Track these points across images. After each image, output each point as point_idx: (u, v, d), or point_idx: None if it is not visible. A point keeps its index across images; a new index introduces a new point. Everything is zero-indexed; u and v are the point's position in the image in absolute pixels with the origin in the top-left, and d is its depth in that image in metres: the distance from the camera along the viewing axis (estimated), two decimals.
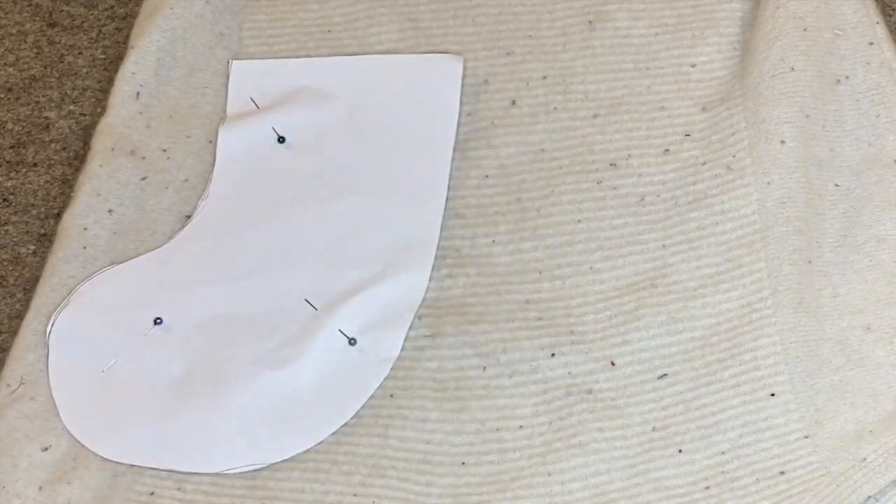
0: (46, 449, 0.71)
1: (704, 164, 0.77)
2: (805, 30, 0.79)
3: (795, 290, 0.72)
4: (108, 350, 0.73)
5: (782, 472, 0.67)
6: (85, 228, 0.78)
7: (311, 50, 0.85)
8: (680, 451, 0.68)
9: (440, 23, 0.85)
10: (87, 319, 0.75)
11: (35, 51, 0.88)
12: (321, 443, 0.71)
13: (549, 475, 0.68)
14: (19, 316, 0.77)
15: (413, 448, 0.70)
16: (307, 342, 0.73)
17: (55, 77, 0.87)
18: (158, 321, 0.74)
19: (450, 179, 0.79)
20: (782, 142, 0.76)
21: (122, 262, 0.77)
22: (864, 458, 0.66)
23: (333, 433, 0.71)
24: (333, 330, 0.73)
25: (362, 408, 0.72)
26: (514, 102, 0.82)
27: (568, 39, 0.83)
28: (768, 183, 0.75)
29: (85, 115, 0.85)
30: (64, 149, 0.84)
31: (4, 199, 0.83)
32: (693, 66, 0.81)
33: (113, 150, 0.81)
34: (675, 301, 0.73)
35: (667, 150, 0.78)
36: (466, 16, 0.85)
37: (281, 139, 0.81)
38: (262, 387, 0.72)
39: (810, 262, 0.73)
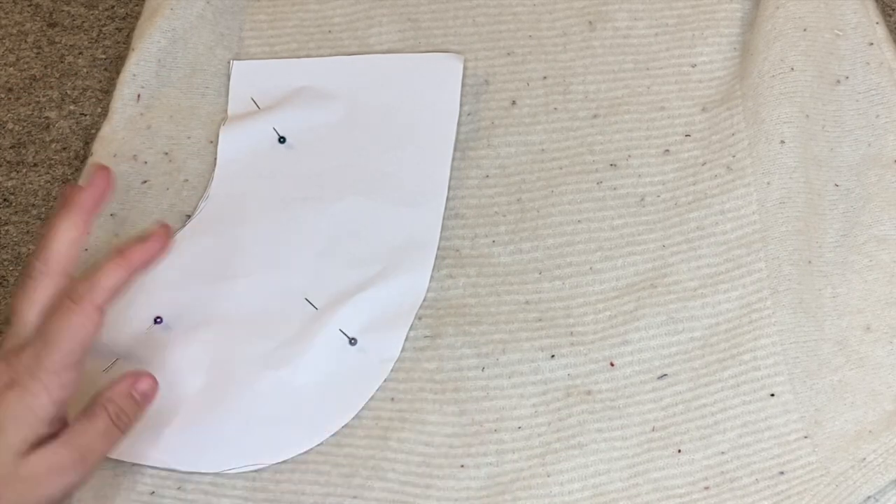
0: None
1: (704, 164, 0.77)
2: (805, 30, 0.79)
3: (795, 290, 0.72)
4: (109, 350, 0.73)
5: (782, 473, 0.67)
6: (87, 232, 0.78)
7: (312, 50, 0.85)
8: (679, 451, 0.68)
9: (440, 23, 0.85)
10: None
11: (35, 51, 0.88)
12: (321, 444, 0.71)
13: (549, 476, 0.68)
14: None
15: (412, 450, 0.70)
16: (307, 342, 0.73)
17: (55, 77, 0.87)
18: (159, 320, 0.74)
19: (450, 179, 0.79)
20: (782, 142, 0.76)
21: None
22: (864, 458, 0.66)
23: (333, 434, 0.71)
24: (334, 330, 0.73)
25: (362, 409, 0.72)
26: (514, 102, 0.81)
27: (568, 39, 0.83)
28: (768, 183, 0.75)
29: (85, 115, 0.85)
30: (64, 149, 0.84)
31: (5, 199, 0.83)
32: (693, 66, 0.81)
33: (115, 156, 0.81)
34: (675, 301, 0.73)
35: (667, 151, 0.78)
36: (466, 16, 0.85)
37: (282, 139, 0.81)
38: (263, 386, 0.72)
39: (810, 262, 0.73)
